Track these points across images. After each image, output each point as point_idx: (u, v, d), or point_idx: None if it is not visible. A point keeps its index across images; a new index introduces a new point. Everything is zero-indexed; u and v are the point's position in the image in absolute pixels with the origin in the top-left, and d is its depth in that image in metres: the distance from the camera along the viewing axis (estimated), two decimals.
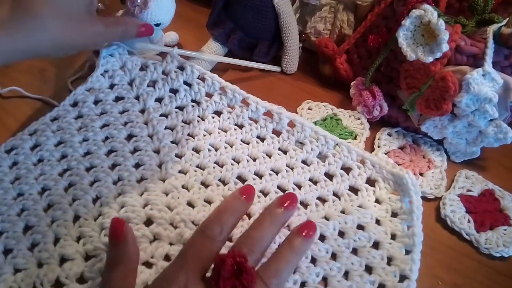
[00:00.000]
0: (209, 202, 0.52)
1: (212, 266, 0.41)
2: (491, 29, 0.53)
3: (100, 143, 0.55)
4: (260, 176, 0.55)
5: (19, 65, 0.65)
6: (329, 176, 0.56)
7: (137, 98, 0.60)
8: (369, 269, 0.48)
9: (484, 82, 0.52)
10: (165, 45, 0.68)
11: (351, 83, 0.66)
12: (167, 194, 0.51)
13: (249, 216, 0.51)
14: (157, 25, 0.59)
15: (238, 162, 0.56)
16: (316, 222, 0.50)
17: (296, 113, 0.64)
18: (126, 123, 0.57)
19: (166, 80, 0.60)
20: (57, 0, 0.47)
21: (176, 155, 0.56)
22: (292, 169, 0.56)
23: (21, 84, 0.61)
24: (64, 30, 0.47)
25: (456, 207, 0.55)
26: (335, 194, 0.54)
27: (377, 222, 0.52)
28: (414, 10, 0.53)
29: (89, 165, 0.53)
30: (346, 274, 0.48)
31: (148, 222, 0.49)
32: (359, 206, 0.53)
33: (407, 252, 0.49)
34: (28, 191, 0.50)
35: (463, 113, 0.55)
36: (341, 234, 0.51)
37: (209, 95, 0.61)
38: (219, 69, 0.69)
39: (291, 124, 0.58)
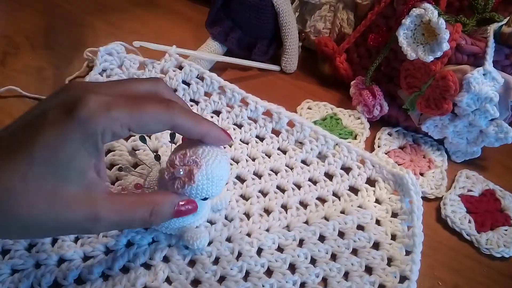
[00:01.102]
0: None
1: None
2: (492, 28, 0.53)
3: None
4: (259, 176, 0.54)
5: (16, 64, 0.64)
6: (329, 176, 0.55)
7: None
8: (369, 270, 0.48)
9: (485, 81, 0.52)
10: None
11: (351, 83, 0.65)
12: None
13: (248, 217, 0.50)
14: (205, 199, 0.42)
15: (237, 162, 0.55)
16: (316, 222, 0.50)
17: (296, 112, 0.63)
18: None
19: (164, 79, 0.60)
20: (33, 169, 0.33)
21: None
22: (291, 169, 0.55)
23: (19, 83, 0.60)
24: (32, 208, 0.33)
25: (457, 207, 0.55)
26: (335, 194, 0.54)
27: (377, 222, 0.52)
28: (414, 9, 0.53)
29: None
30: (346, 275, 0.48)
31: None
32: (359, 206, 0.53)
33: (407, 253, 0.49)
34: None
35: (463, 113, 0.55)
36: (341, 234, 0.51)
37: (208, 94, 0.60)
38: (218, 68, 0.68)
39: (291, 124, 0.58)
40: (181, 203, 0.40)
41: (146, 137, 0.50)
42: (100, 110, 0.34)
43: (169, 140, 0.43)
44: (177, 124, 0.39)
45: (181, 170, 0.39)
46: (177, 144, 0.44)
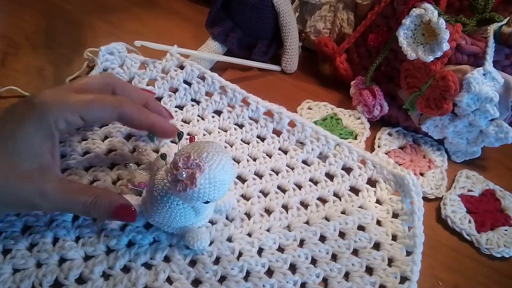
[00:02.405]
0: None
1: None
2: (492, 28, 0.53)
3: (99, 142, 0.54)
4: (260, 176, 0.54)
5: (16, 64, 0.64)
6: (330, 176, 0.55)
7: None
8: (369, 270, 0.48)
9: (485, 81, 0.52)
10: None
11: (351, 83, 0.65)
12: None
13: (249, 217, 0.50)
14: (207, 202, 0.42)
15: (238, 162, 0.55)
16: (316, 222, 0.50)
17: (296, 112, 0.63)
18: None
19: (166, 78, 0.60)
20: None
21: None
22: (292, 169, 0.55)
23: (19, 84, 0.60)
24: None
25: (457, 207, 0.55)
26: (335, 195, 0.54)
27: (378, 223, 0.52)
28: (414, 9, 0.54)
29: (88, 164, 0.52)
30: (346, 275, 0.48)
31: (148, 225, 0.48)
32: (359, 207, 0.53)
33: (408, 253, 0.49)
34: None
35: (463, 113, 0.55)
36: (342, 234, 0.51)
37: (209, 94, 0.60)
38: (219, 68, 0.69)
39: (292, 124, 0.58)
40: (121, 205, 0.43)
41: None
42: (54, 99, 0.41)
43: (174, 141, 0.44)
44: (124, 113, 0.44)
45: (183, 173, 0.39)
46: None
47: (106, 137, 0.55)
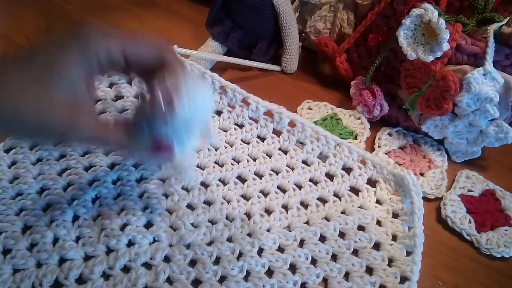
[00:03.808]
0: (209, 203, 0.51)
1: None
2: (492, 28, 0.53)
3: None
4: (260, 176, 0.54)
5: None
6: (330, 176, 0.55)
7: (137, 97, 0.59)
8: (369, 270, 0.48)
9: (485, 81, 0.52)
10: None
11: (351, 83, 0.65)
12: (167, 197, 0.51)
13: (249, 217, 0.50)
14: (187, 123, 0.40)
15: (238, 162, 0.55)
16: (316, 222, 0.51)
17: (296, 112, 0.63)
18: None
19: None
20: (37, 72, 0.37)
21: None
22: (292, 169, 0.55)
23: None
24: (22, 98, 0.36)
25: (457, 208, 0.55)
26: (335, 195, 0.54)
27: (378, 223, 0.52)
28: (414, 9, 0.53)
29: (88, 164, 0.53)
30: (346, 275, 0.48)
31: (148, 224, 0.49)
32: (359, 207, 0.53)
33: (408, 253, 0.49)
34: (27, 191, 0.49)
35: (463, 113, 0.55)
36: (342, 235, 0.51)
37: None
38: (219, 68, 0.69)
39: (292, 124, 0.58)
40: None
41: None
42: (100, 32, 0.39)
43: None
44: (164, 52, 0.42)
45: (160, 92, 0.38)
46: None
47: None
